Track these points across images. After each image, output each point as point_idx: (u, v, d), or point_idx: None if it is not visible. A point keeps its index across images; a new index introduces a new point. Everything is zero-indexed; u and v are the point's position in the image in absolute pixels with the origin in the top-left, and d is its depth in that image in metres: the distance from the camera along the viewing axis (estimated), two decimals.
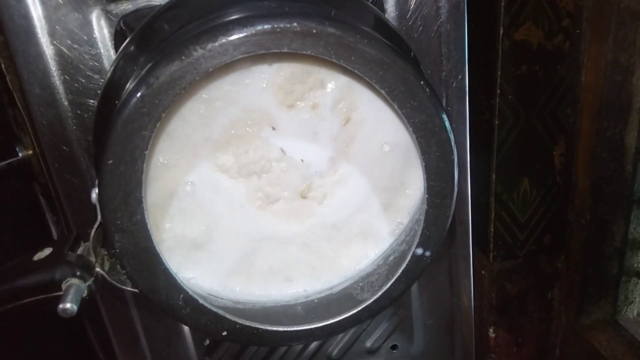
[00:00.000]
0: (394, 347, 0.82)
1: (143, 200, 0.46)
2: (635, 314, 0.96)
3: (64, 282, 0.51)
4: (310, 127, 0.54)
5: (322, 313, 0.56)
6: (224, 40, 0.43)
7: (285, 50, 0.44)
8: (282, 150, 0.54)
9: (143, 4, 0.57)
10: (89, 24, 0.57)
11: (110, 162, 0.44)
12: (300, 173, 0.55)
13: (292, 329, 0.54)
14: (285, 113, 0.53)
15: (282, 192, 0.56)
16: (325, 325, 0.55)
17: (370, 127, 0.54)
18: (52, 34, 0.56)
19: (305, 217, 0.57)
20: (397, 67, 0.45)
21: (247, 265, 0.58)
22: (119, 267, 0.52)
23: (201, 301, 0.52)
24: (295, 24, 0.43)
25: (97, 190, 0.46)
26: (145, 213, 0.47)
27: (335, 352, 0.81)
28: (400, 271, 0.54)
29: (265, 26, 0.43)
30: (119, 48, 0.55)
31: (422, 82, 0.46)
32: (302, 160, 0.55)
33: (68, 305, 0.49)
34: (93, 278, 0.52)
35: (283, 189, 0.56)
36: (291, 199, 0.56)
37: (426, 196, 0.51)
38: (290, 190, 0.56)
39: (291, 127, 0.53)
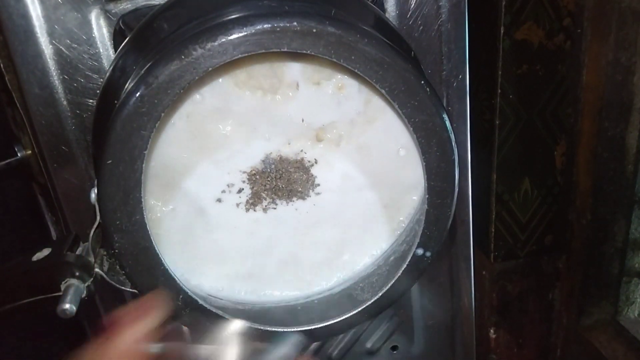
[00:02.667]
0: (394, 347, 0.82)
1: (142, 200, 0.46)
2: (636, 315, 0.95)
3: (63, 282, 0.51)
4: (334, 99, 0.53)
5: (322, 313, 0.56)
6: (223, 40, 0.42)
7: (285, 49, 0.44)
8: (297, 84, 0.51)
9: (142, 4, 0.57)
10: (88, 23, 0.57)
11: (110, 162, 0.44)
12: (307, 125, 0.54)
13: (292, 329, 0.54)
14: (309, 89, 0.52)
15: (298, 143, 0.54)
16: (326, 325, 0.54)
17: (389, 118, 0.54)
18: (51, 34, 0.56)
19: (332, 165, 0.56)
20: (397, 66, 0.45)
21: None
22: (118, 267, 0.52)
23: (201, 302, 0.51)
24: (295, 23, 0.43)
25: (96, 191, 0.46)
26: (145, 213, 0.47)
27: (335, 352, 0.81)
28: (400, 272, 0.54)
29: (265, 25, 0.42)
30: (118, 47, 0.55)
31: (422, 82, 0.46)
32: (303, 120, 0.53)
33: (67, 306, 0.49)
34: (92, 278, 0.52)
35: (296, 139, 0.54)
36: (310, 147, 0.55)
37: (427, 196, 0.50)
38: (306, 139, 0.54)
39: (312, 97, 0.52)
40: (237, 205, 0.55)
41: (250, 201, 0.55)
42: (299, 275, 0.59)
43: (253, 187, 0.55)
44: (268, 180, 0.55)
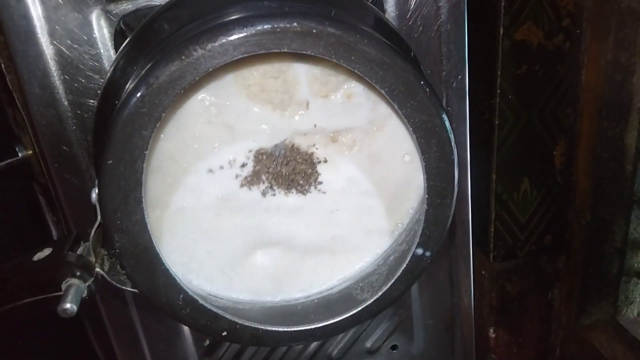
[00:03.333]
0: (394, 347, 0.82)
1: (143, 200, 0.46)
2: (635, 314, 0.95)
3: (64, 282, 0.51)
4: (345, 108, 0.53)
5: (322, 313, 0.56)
6: (223, 40, 0.43)
7: (285, 50, 0.44)
8: (307, 104, 0.52)
9: (143, 4, 0.57)
10: (88, 24, 0.57)
11: (110, 162, 0.44)
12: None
13: (292, 329, 0.54)
14: (319, 101, 0.53)
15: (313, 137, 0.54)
16: (325, 325, 0.55)
17: (395, 124, 0.55)
18: (52, 34, 0.56)
19: (339, 166, 0.56)
20: (397, 67, 0.45)
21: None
22: (118, 267, 0.52)
23: (201, 301, 0.52)
24: (295, 24, 0.43)
25: (97, 190, 0.46)
26: (145, 213, 0.47)
27: (335, 352, 0.81)
28: (400, 271, 0.54)
29: (265, 26, 0.43)
30: (119, 48, 0.55)
31: (422, 82, 0.46)
32: (315, 126, 0.54)
33: (68, 306, 0.49)
34: (93, 278, 0.52)
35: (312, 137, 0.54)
36: (322, 146, 0.55)
37: (426, 196, 0.51)
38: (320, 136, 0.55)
39: (324, 109, 0.53)
40: (236, 176, 0.55)
41: (249, 179, 0.55)
42: (298, 274, 0.59)
43: (255, 167, 0.54)
44: (273, 164, 0.54)
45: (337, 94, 0.53)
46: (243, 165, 0.54)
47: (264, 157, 0.54)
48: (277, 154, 0.54)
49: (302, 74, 0.51)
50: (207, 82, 0.50)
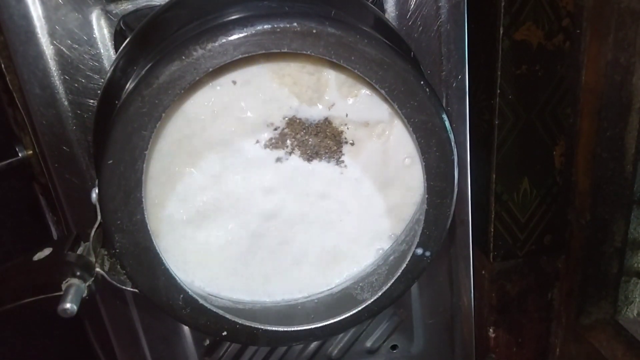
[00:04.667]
0: (394, 347, 0.82)
1: (143, 200, 0.46)
2: (635, 314, 0.96)
3: (64, 282, 0.51)
4: (372, 100, 0.54)
5: (322, 313, 0.56)
6: (223, 40, 0.43)
7: (285, 50, 0.44)
8: (332, 105, 0.54)
9: (143, 4, 0.57)
10: (88, 24, 0.57)
11: (110, 162, 0.44)
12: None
13: (292, 329, 0.54)
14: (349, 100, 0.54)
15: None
16: (325, 325, 0.55)
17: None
18: (52, 34, 0.56)
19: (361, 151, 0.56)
20: (397, 67, 0.45)
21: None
22: (119, 267, 0.52)
23: (201, 301, 0.52)
24: (295, 24, 0.43)
25: (97, 190, 0.46)
26: (145, 213, 0.47)
27: (335, 352, 0.81)
28: (400, 271, 0.54)
29: (265, 26, 0.43)
30: (119, 48, 0.55)
31: (422, 82, 0.46)
32: (347, 115, 0.54)
33: (68, 306, 0.49)
34: (93, 278, 0.52)
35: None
36: (353, 128, 0.56)
37: (426, 196, 0.51)
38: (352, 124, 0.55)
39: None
40: (258, 142, 0.54)
41: (273, 141, 0.54)
42: (298, 271, 0.59)
43: (284, 129, 0.54)
44: (303, 130, 0.54)
45: (364, 89, 0.53)
46: (276, 129, 0.54)
47: (297, 122, 0.54)
48: (309, 124, 0.54)
49: (332, 77, 0.52)
50: (239, 65, 0.50)
